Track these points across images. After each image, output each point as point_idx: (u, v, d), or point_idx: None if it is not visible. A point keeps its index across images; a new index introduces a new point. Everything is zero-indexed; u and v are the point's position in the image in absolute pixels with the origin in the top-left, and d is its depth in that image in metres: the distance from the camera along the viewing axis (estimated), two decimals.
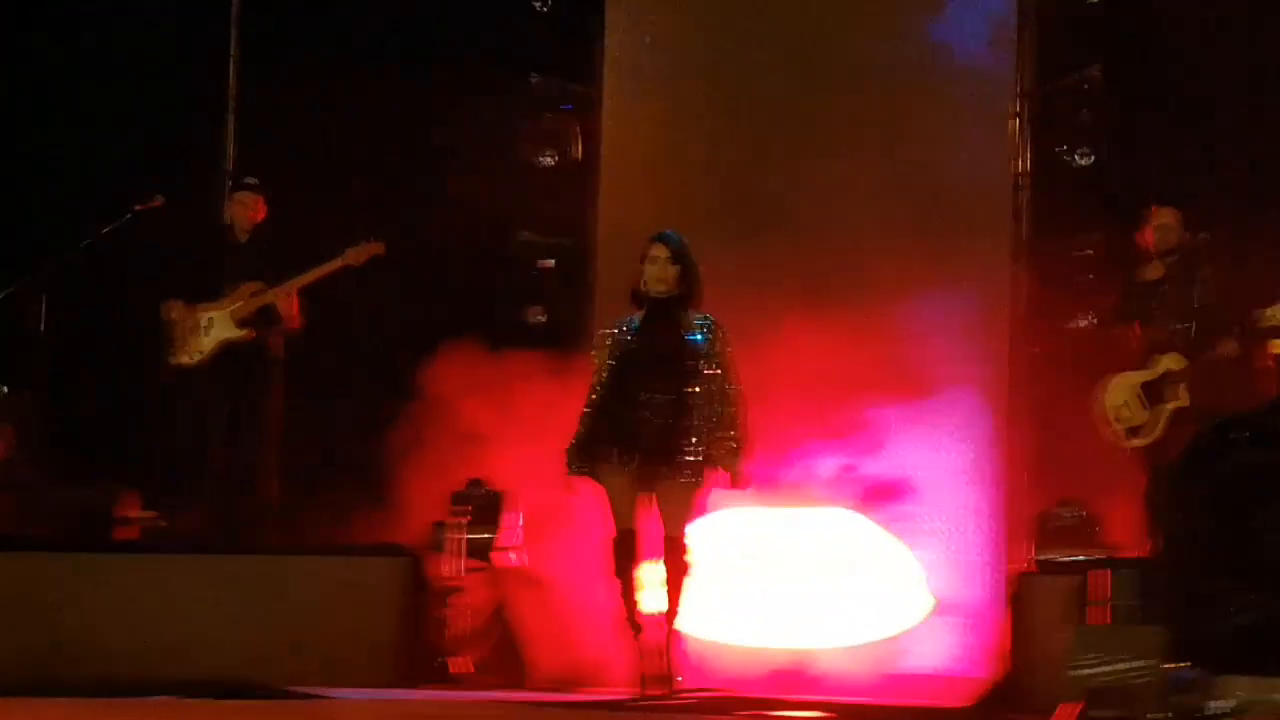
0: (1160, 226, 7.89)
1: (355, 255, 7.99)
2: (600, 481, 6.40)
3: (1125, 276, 8.13)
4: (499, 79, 9.47)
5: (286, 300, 8.01)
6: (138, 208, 8.20)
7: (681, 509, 6.34)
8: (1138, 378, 7.77)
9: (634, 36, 9.54)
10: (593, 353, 6.63)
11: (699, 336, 6.43)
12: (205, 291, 8.14)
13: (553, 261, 9.14)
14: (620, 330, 6.52)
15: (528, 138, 9.42)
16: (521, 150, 9.42)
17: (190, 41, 9.68)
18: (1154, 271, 7.95)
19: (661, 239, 6.52)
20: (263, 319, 8.07)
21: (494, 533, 7.93)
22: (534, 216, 9.35)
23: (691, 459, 6.29)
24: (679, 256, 6.48)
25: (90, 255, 8.24)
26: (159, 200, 8.23)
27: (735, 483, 6.43)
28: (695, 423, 6.31)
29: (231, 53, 9.76)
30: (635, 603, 6.37)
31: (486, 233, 9.23)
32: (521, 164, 9.43)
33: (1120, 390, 7.83)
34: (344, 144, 9.32)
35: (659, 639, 6.26)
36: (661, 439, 6.30)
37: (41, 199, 9.21)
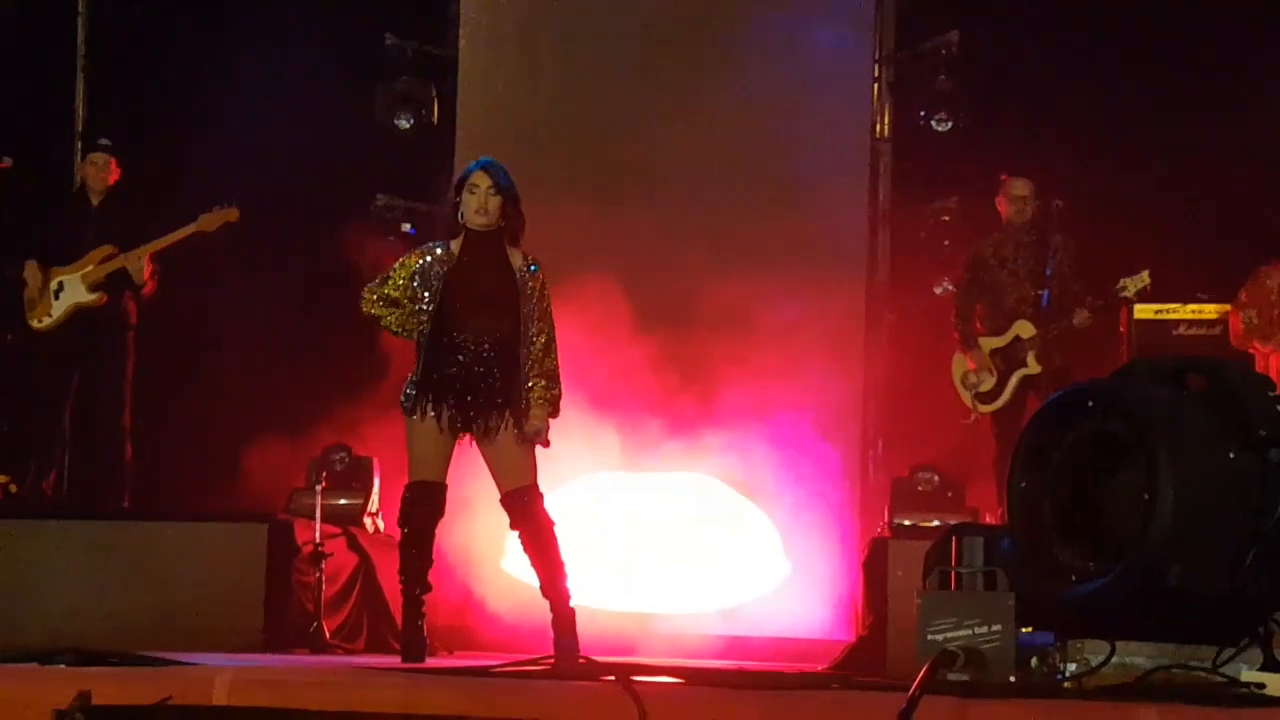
0: (1014, 198, 8.03)
1: (209, 220, 7.95)
2: (407, 426, 6.03)
3: (971, 249, 8.27)
4: (354, 40, 9.49)
5: (138, 265, 7.93)
6: None
7: (523, 457, 5.98)
8: (989, 344, 7.95)
9: None
10: (393, 269, 6.11)
11: (523, 272, 6.04)
12: (57, 254, 8.04)
13: (410, 226, 9.12)
14: (430, 258, 6.06)
15: (384, 100, 9.42)
16: (378, 113, 9.42)
17: None
18: (1006, 240, 8.10)
19: (484, 166, 6.06)
20: (115, 283, 7.99)
21: (354, 499, 8.01)
22: (392, 180, 9.37)
23: (520, 401, 5.92)
24: (501, 188, 6.02)
25: None
26: (7, 161, 8.09)
27: (539, 438, 5.97)
28: (520, 368, 5.96)
29: (80, 9, 9.60)
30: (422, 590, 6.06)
31: (344, 196, 9.25)
32: (378, 127, 9.44)
33: (965, 363, 8.04)
34: (198, 105, 9.23)
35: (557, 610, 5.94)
36: (486, 381, 5.97)
37: None
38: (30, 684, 4.11)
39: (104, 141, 8.26)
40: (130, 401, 8.16)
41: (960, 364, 8.05)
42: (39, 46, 9.49)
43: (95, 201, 8.19)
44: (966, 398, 8.02)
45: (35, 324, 8.06)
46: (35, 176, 8.53)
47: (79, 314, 8.01)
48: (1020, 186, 8.03)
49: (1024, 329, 7.87)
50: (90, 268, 7.98)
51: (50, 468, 8.11)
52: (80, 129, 9.54)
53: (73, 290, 8.01)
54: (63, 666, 4.50)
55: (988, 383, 7.93)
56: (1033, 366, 7.81)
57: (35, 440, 8.24)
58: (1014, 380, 7.87)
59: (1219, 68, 8.78)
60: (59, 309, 8.02)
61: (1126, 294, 7.85)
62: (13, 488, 8.15)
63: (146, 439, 8.36)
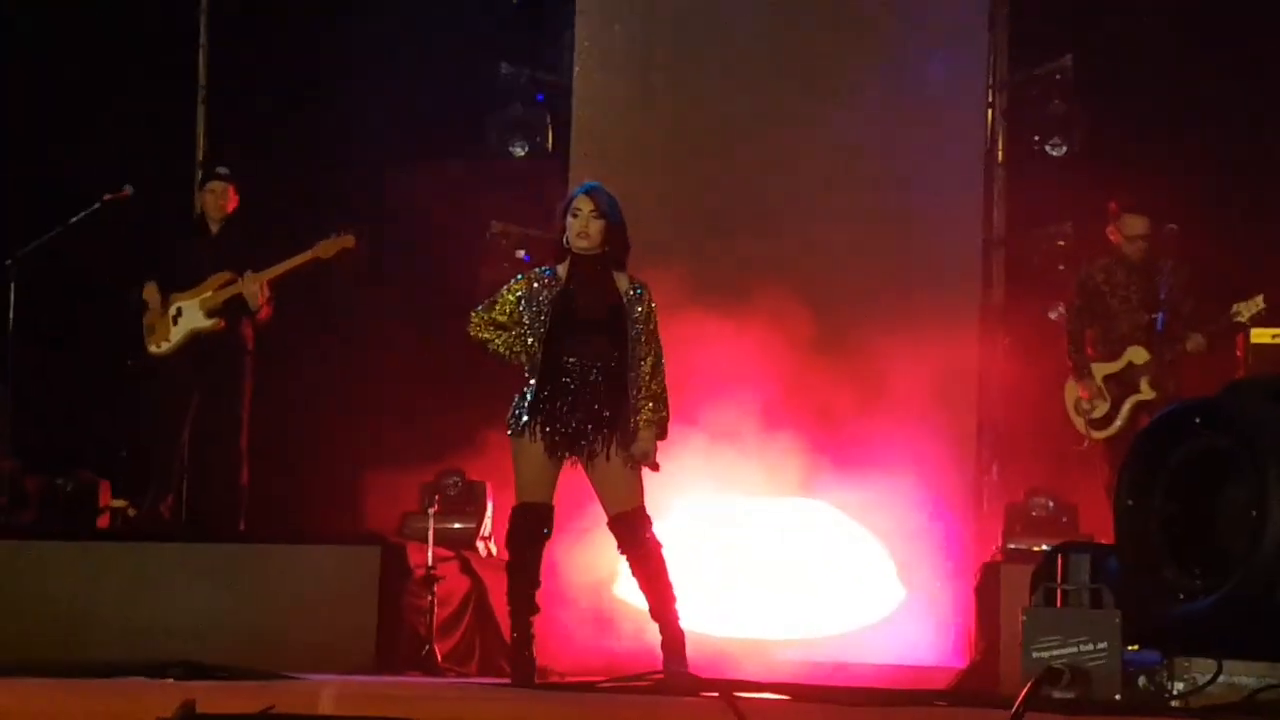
0: (1129, 237, 7.92)
1: (325, 248, 8.03)
2: (514, 448, 6.04)
3: (1080, 274, 8.19)
4: (470, 68, 9.57)
5: (254, 290, 8.02)
6: (106, 197, 8.23)
7: (631, 480, 6.00)
8: (1101, 370, 7.89)
9: (604, 25, 9.55)
10: (501, 294, 6.16)
11: (631, 294, 6.05)
12: (177, 281, 8.17)
13: (524, 253, 9.17)
14: (538, 283, 6.11)
15: (499, 127, 9.52)
16: (493, 140, 9.51)
17: (160, 28, 9.68)
18: (1116, 265, 8.01)
19: (587, 191, 6.12)
20: (232, 309, 8.09)
21: (467, 523, 8.07)
22: (507, 207, 9.41)
23: (629, 424, 5.93)
24: (605, 212, 6.04)
25: (59, 245, 8.27)
26: (127, 190, 8.26)
27: (648, 461, 6.00)
28: (629, 390, 5.97)
29: (201, 41, 9.77)
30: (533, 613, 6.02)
31: (460, 223, 9.30)
32: (493, 154, 9.52)
33: (1078, 391, 7.97)
34: (316, 134, 9.36)
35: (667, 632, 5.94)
36: (592, 406, 5.97)
37: (10, 190, 9.23)
38: (138, 695, 4.19)
39: (222, 170, 8.36)
40: (248, 426, 8.24)
41: (1072, 390, 8.00)
42: (161, 77, 9.65)
43: (214, 229, 8.29)
44: (1080, 424, 7.96)
45: (154, 349, 8.18)
46: (156, 205, 8.65)
47: (196, 339, 8.11)
48: (1136, 225, 7.91)
49: (1137, 355, 7.81)
50: (208, 294, 8.09)
51: (168, 492, 8.20)
52: (200, 158, 9.69)
53: (191, 316, 8.12)
54: (171, 680, 4.60)
55: (1101, 409, 7.88)
56: (1146, 392, 7.74)
57: (154, 465, 8.32)
58: (1128, 406, 7.80)
59: None
60: (177, 334, 8.13)
61: (1240, 318, 7.75)
62: (130, 511, 8.32)
63: (263, 463, 8.43)
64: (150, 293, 8.20)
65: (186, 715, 3.25)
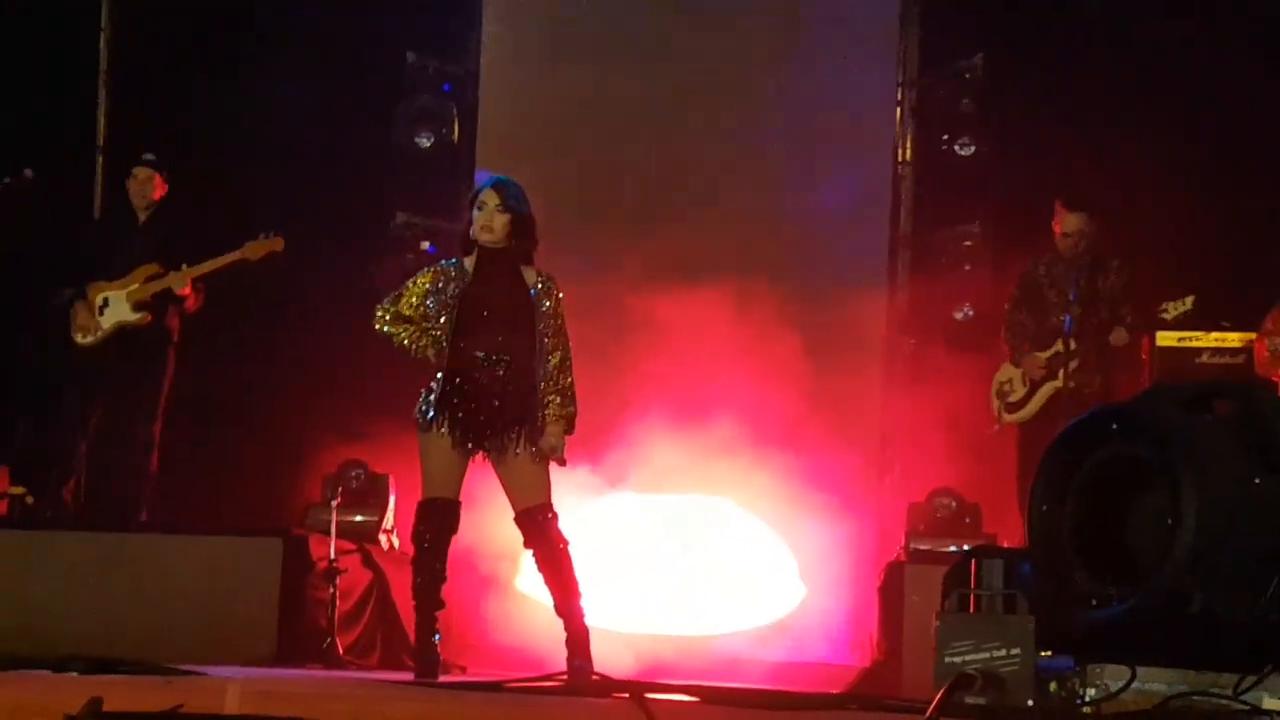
0: (1065, 234, 7.92)
1: (254, 249, 7.91)
2: (421, 442, 6.04)
3: (1024, 268, 8.19)
4: (376, 57, 9.50)
5: (181, 283, 7.94)
6: (6, 180, 8.09)
7: (537, 475, 5.98)
8: (1033, 358, 7.92)
9: (512, 14, 9.57)
10: (407, 286, 6.14)
11: (538, 286, 6.07)
12: (101, 271, 8.05)
13: (429, 244, 9.10)
14: (445, 274, 6.10)
15: (405, 118, 9.44)
16: (399, 131, 9.44)
17: (62, 12, 9.52)
18: (1057, 260, 8.02)
19: (493, 184, 6.09)
20: (159, 301, 7.98)
21: (370, 515, 8.01)
22: (413, 199, 9.36)
23: (537, 417, 5.94)
24: (511, 205, 6.02)
25: None
26: (28, 173, 8.09)
27: (556, 456, 6.00)
28: (538, 387, 5.97)
29: (103, 24, 9.61)
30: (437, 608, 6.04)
31: (364, 214, 9.28)
32: (399, 145, 9.45)
33: (1009, 371, 8.02)
34: (217, 124, 9.21)
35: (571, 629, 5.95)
36: (500, 397, 5.96)
37: None
38: (42, 690, 4.11)
39: (148, 156, 8.22)
40: (163, 416, 8.14)
41: (1002, 374, 8.04)
42: (61, 62, 9.47)
43: (141, 218, 8.18)
44: (995, 406, 8.01)
45: (79, 339, 8.06)
46: (53, 192, 8.42)
47: (122, 332, 8.01)
48: (1071, 222, 7.90)
49: (1067, 345, 7.81)
50: (135, 286, 7.98)
51: (68, 476, 8.06)
52: (101, 144, 9.54)
53: (117, 308, 8.00)
54: (75, 674, 4.50)
55: (1019, 392, 7.92)
56: (1061, 380, 7.75)
57: (57, 448, 8.18)
58: (1043, 391, 7.83)
59: (1256, 86, 8.69)
60: (105, 324, 8.01)
61: (1166, 317, 7.79)
62: (29, 499, 8.16)
63: (171, 453, 8.33)
64: (77, 292, 8.06)
65: (94, 712, 3.17)
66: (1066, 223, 7.92)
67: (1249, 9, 8.64)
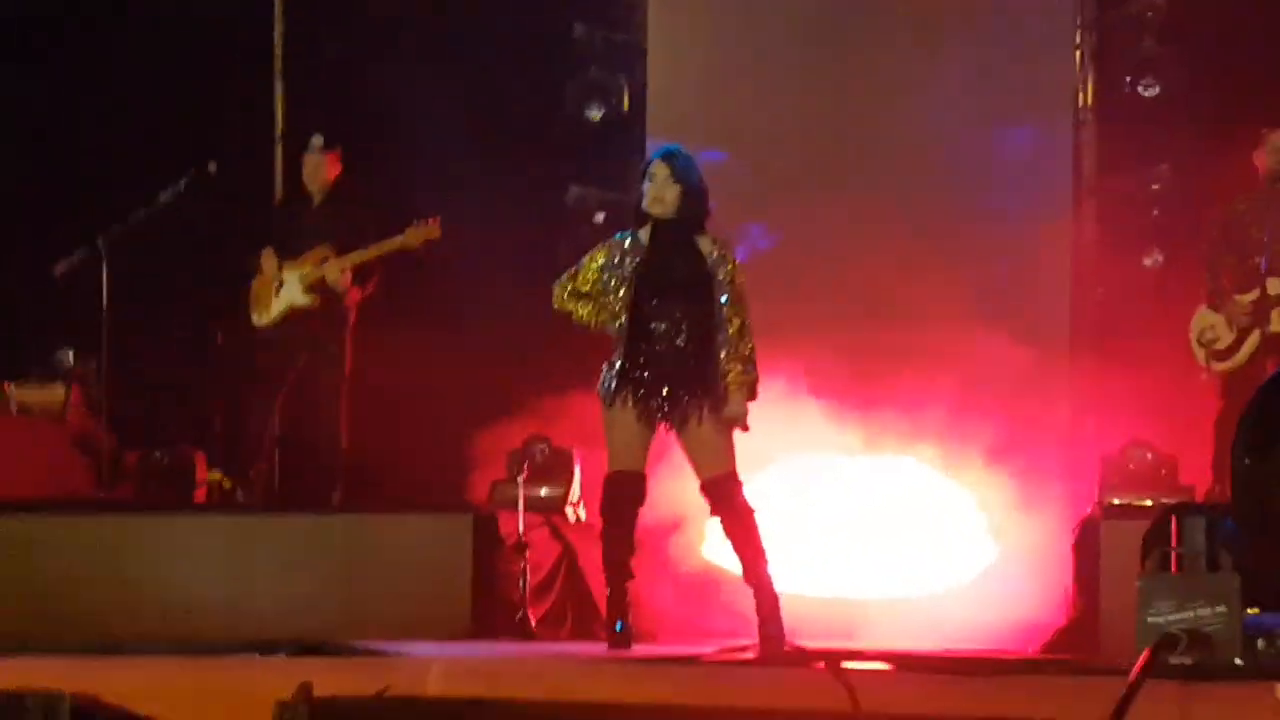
0: (1274, 148, 7.67)
1: (414, 235, 7.99)
2: (606, 417, 6.11)
3: (1225, 203, 7.96)
4: (542, 29, 9.53)
5: (336, 274, 8.05)
6: (193, 173, 8.26)
7: (721, 444, 6.02)
8: (1237, 304, 7.70)
9: None
10: (584, 262, 6.22)
11: (713, 257, 6.07)
12: (284, 249, 8.21)
13: (602, 216, 9.12)
14: (620, 249, 6.15)
15: (574, 91, 9.47)
16: (569, 104, 9.47)
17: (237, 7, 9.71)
18: (1260, 195, 7.79)
19: (663, 155, 6.15)
20: (327, 286, 8.13)
21: (556, 489, 8.06)
22: (584, 171, 9.40)
23: (717, 387, 5.96)
24: (681, 175, 6.05)
25: (148, 223, 8.27)
26: (212, 166, 8.24)
27: (741, 422, 6.03)
28: (717, 353, 5.98)
29: (276, 14, 9.75)
30: (628, 578, 6.11)
31: (538, 189, 9.32)
32: (569, 118, 9.48)
33: (1210, 314, 7.79)
34: (392, 105, 9.26)
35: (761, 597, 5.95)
36: (681, 370, 6.00)
37: (95, 169, 9.20)
38: (252, 675, 4.22)
39: (317, 139, 8.34)
40: (347, 396, 8.28)
41: (1202, 319, 7.80)
42: (237, 52, 9.66)
43: (317, 200, 8.33)
44: (1200, 355, 7.79)
45: (256, 319, 8.28)
46: (237, 181, 8.63)
47: (294, 313, 8.17)
48: (1275, 147, 7.65)
49: (1275, 286, 7.59)
50: (307, 268, 8.14)
51: (257, 460, 8.27)
52: (279, 134, 9.68)
53: (290, 289, 8.18)
54: (282, 657, 4.61)
55: (1225, 339, 7.69)
56: (1276, 325, 7.54)
57: (246, 433, 8.40)
58: (1252, 339, 7.60)
59: None
60: (277, 307, 8.21)
61: None
62: (226, 484, 8.37)
63: (359, 433, 8.47)
64: (267, 258, 8.25)
65: (306, 698, 3.24)
66: (1270, 152, 7.67)
67: None
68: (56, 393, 8.67)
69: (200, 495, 8.28)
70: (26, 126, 9.40)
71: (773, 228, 8.03)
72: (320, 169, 8.31)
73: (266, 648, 4.79)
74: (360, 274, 8.15)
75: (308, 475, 8.37)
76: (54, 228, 8.71)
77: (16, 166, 9.31)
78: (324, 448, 8.28)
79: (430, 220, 8.01)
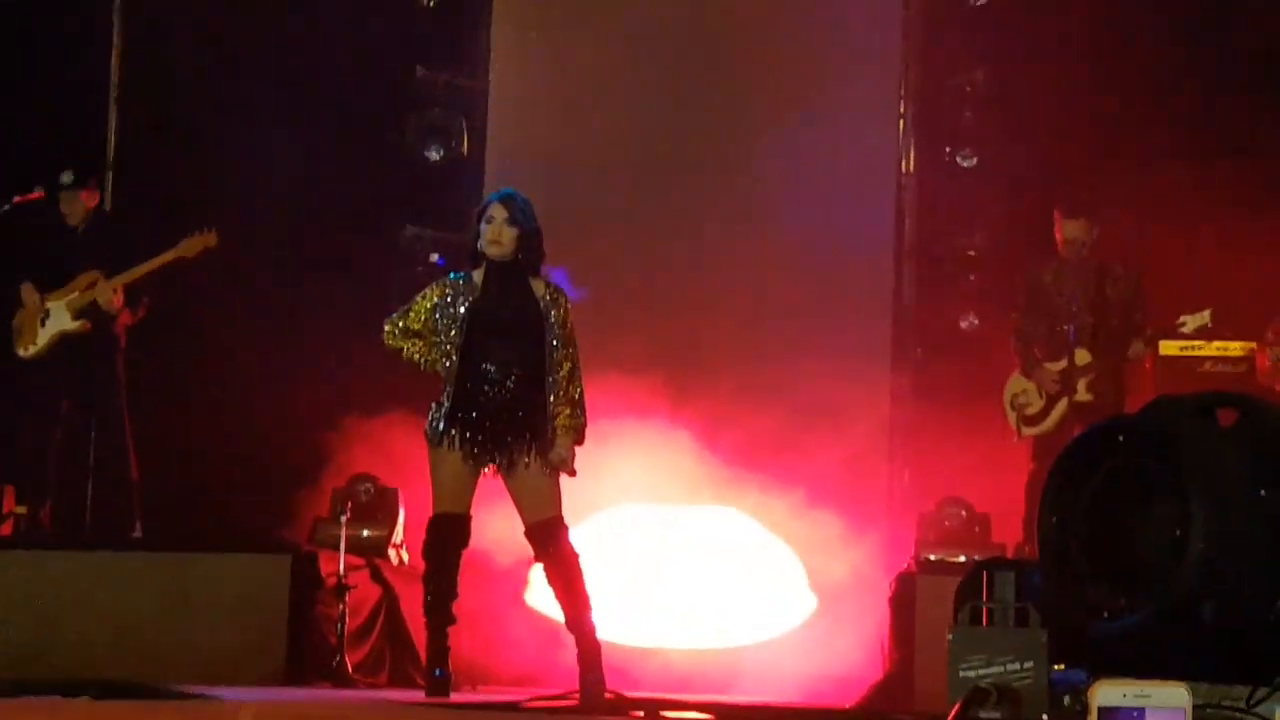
0: (1067, 240, 7.86)
1: (189, 246, 7.88)
2: (432, 457, 6.02)
3: (1030, 273, 8.14)
4: (384, 70, 9.50)
5: (109, 297, 7.87)
6: (17, 199, 8.09)
7: (547, 489, 5.96)
8: (1046, 372, 7.88)
9: (521, 30, 9.56)
10: (416, 301, 6.14)
11: (546, 299, 6.04)
12: (49, 280, 8.03)
13: (438, 256, 9.07)
14: (453, 288, 6.09)
15: (415, 132, 9.45)
16: (408, 144, 9.44)
17: (74, 29, 9.49)
18: (1062, 268, 7.98)
19: (501, 198, 6.11)
20: (100, 309, 7.93)
21: (379, 530, 7.96)
22: (421, 211, 9.38)
23: (545, 430, 5.91)
24: (519, 218, 6.02)
25: None
26: (41, 193, 8.10)
27: (565, 467, 5.98)
28: (548, 399, 5.96)
29: (115, 41, 9.60)
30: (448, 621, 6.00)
31: (374, 226, 9.27)
32: (409, 158, 9.45)
33: (1021, 382, 7.95)
34: (221, 132, 9.15)
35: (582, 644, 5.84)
36: (509, 411, 5.94)
37: None
38: (53, 717, 4.08)
39: (66, 176, 8.09)
40: (130, 424, 8.09)
41: (1015, 385, 7.99)
42: (73, 77, 9.45)
43: (80, 229, 8.11)
44: (1012, 419, 7.97)
45: (22, 352, 8.07)
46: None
47: (64, 341, 7.98)
48: (1071, 229, 7.84)
49: (1082, 356, 7.78)
50: (75, 294, 7.96)
51: (44, 494, 8.04)
52: (110, 159, 9.52)
53: (58, 318, 7.99)
54: (87, 700, 4.46)
55: (1035, 405, 7.87)
56: (1083, 394, 7.72)
57: (35, 466, 8.15)
58: (1060, 406, 7.79)
59: (1258, 96, 8.70)
60: (44, 337, 8.02)
61: (1185, 329, 7.77)
62: (17, 510, 8.12)
63: (154, 462, 8.27)
64: (28, 293, 8.06)
65: None
66: (1067, 229, 7.88)
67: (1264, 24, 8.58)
68: None
69: (6, 530, 7.99)
70: None
71: (602, 270, 8.02)
72: (75, 202, 8.09)
73: (71, 689, 4.62)
74: (131, 294, 7.97)
75: (105, 505, 8.10)
76: None
77: None
78: (116, 474, 8.05)
79: (208, 230, 7.90)
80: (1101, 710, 1.88)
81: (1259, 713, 4.19)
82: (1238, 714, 4.18)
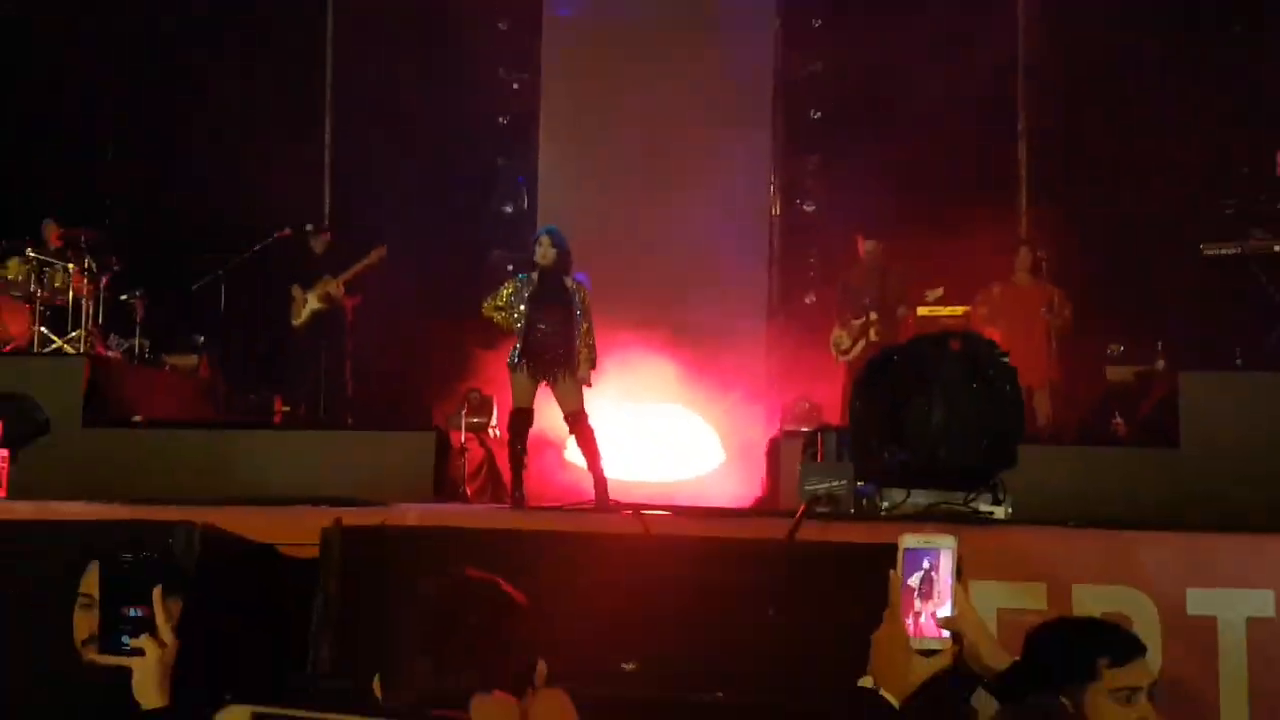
0: (865, 251, 7.87)
1: (374, 256, 7.89)
2: (511, 377, 5.94)
3: (844, 274, 8.07)
4: (483, 161, 9.43)
5: (338, 290, 7.90)
6: (277, 234, 8.08)
7: (576, 393, 5.89)
8: (852, 325, 7.84)
9: (560, 146, 9.32)
10: (500, 290, 6.09)
11: (573, 289, 5.98)
12: (307, 282, 8.05)
13: (511, 266, 8.89)
14: (520, 283, 6.03)
15: (498, 196, 9.45)
16: (494, 203, 9.45)
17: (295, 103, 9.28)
18: (861, 268, 7.94)
19: (547, 231, 6.10)
20: (333, 298, 7.96)
21: (483, 418, 7.94)
22: (503, 240, 9.31)
23: (575, 362, 5.88)
24: (557, 243, 5.97)
25: (250, 262, 8.11)
26: (288, 231, 8.11)
27: (586, 381, 5.96)
28: (575, 342, 5.88)
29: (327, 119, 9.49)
30: (523, 469, 5.82)
31: (477, 251, 9.27)
32: (494, 211, 9.41)
33: (839, 331, 7.93)
34: (395, 195, 8.98)
35: (597, 478, 5.84)
36: (554, 351, 5.88)
37: (210, 228, 8.73)
38: (306, 516, 4.06)
39: (309, 227, 8.20)
40: (349, 360, 8.07)
41: (836, 333, 7.92)
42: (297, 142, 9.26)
43: (320, 252, 8.14)
44: (834, 352, 7.92)
45: (294, 321, 8.03)
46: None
47: (315, 315, 7.98)
48: (868, 246, 7.86)
49: (872, 317, 7.72)
50: (319, 289, 7.96)
51: (304, 399, 8.07)
52: (327, 207, 9.39)
53: (312, 303, 7.98)
54: (324, 507, 4.46)
55: (846, 344, 7.82)
56: (873, 338, 7.65)
57: (299, 390, 8.15)
58: (860, 344, 7.70)
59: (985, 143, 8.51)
60: (305, 313, 7.99)
61: (929, 300, 7.79)
62: (288, 410, 8.15)
63: (361, 382, 8.25)
64: (296, 290, 8.04)
65: (338, 527, 3.18)
66: (866, 246, 7.88)
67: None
68: (192, 360, 8.35)
69: (277, 419, 8.03)
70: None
71: (598, 269, 7.73)
72: (318, 240, 8.10)
73: (314, 501, 4.63)
74: (350, 288, 7.95)
75: (336, 408, 8.06)
76: (191, 263, 8.33)
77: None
78: (339, 392, 8.08)
79: (380, 245, 7.89)
80: (906, 551, 1.85)
81: (972, 505, 4.26)
82: (960, 507, 4.26)
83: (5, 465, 4.64)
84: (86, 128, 9.13)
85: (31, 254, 7.66)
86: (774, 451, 6.97)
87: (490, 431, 7.89)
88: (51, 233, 8.02)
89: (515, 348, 6.03)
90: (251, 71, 9.00)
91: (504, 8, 9.45)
